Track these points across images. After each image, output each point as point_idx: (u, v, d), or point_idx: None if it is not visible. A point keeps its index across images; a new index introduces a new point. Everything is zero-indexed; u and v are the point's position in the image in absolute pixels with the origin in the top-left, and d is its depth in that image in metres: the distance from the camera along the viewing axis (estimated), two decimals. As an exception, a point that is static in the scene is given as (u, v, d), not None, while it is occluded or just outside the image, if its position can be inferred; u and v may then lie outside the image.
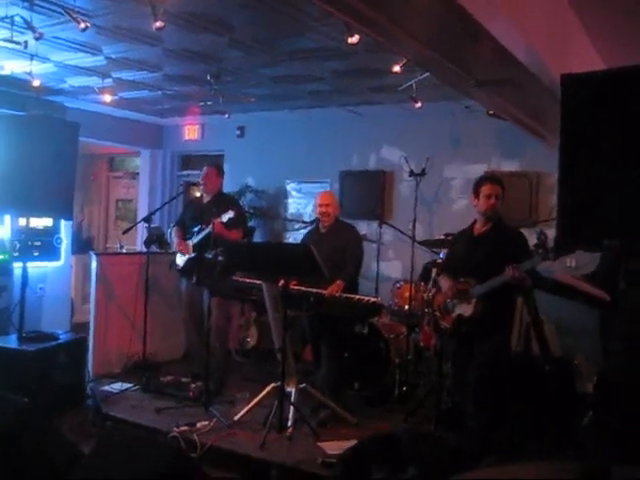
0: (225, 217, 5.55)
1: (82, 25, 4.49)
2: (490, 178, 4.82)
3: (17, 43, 5.29)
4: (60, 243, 6.77)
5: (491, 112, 6.46)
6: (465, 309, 4.52)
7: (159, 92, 8.09)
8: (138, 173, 11.47)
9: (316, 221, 5.67)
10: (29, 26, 4.79)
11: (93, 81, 7.39)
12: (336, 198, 5.82)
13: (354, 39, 4.21)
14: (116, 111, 9.43)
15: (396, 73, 5.40)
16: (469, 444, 4.36)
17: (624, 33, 4.85)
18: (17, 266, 6.14)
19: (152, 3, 4.33)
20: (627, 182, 2.65)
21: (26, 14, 4.80)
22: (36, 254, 6.35)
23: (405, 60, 5.04)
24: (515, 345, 5.31)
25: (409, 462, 1.55)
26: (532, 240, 4.64)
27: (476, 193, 4.60)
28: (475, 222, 4.73)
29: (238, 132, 10.06)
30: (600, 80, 2.93)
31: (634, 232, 2.61)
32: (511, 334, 4.80)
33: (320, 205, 5.58)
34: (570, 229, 2.87)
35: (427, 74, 5.51)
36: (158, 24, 4.32)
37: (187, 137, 10.83)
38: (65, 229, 6.90)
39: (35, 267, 6.45)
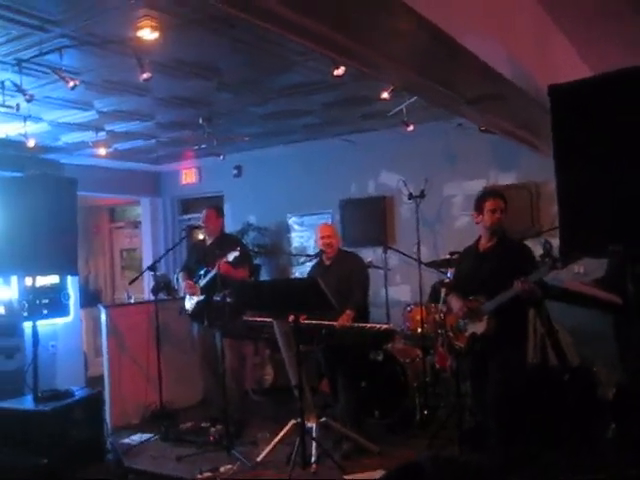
0: (231, 257, 5.55)
1: (71, 84, 4.56)
2: (492, 193, 4.82)
3: (9, 107, 5.37)
4: (68, 299, 6.77)
5: (483, 128, 6.49)
6: (478, 327, 4.49)
7: (153, 140, 8.17)
8: (140, 222, 11.52)
9: (320, 253, 5.67)
10: (19, 89, 4.86)
11: (87, 136, 7.47)
12: (336, 229, 5.81)
13: (340, 71, 4.25)
14: (112, 162, 9.51)
15: (385, 99, 5.45)
16: (493, 463, 4.30)
17: (605, 39, 4.89)
18: (27, 326, 6.13)
19: (137, 55, 4.38)
20: (623, 186, 2.65)
21: (16, 77, 4.88)
22: (45, 312, 6.35)
23: (393, 87, 5.08)
24: (532, 357, 5.26)
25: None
26: (537, 250, 4.62)
27: (479, 209, 4.59)
28: (480, 238, 4.71)
29: (235, 172, 10.11)
30: (586, 87, 2.95)
31: (635, 236, 2.60)
32: (526, 347, 4.76)
33: (322, 237, 5.59)
34: (573, 237, 2.87)
35: (415, 97, 5.55)
36: (145, 76, 4.38)
37: (185, 182, 10.90)
38: (72, 284, 6.92)
39: (45, 325, 6.45)
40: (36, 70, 4.93)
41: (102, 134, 7.43)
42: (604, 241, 2.77)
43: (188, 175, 10.83)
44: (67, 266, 5.87)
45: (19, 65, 4.72)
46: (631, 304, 2.88)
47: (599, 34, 4.87)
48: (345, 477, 4.70)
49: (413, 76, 3.63)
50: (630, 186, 2.67)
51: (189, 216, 10.98)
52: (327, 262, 5.59)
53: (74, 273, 6.34)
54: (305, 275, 6.32)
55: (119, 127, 7.24)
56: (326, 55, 3.54)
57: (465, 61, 3.49)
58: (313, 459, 4.87)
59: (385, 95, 5.26)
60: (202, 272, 6.05)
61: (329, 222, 8.34)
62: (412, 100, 5.98)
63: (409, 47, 3.36)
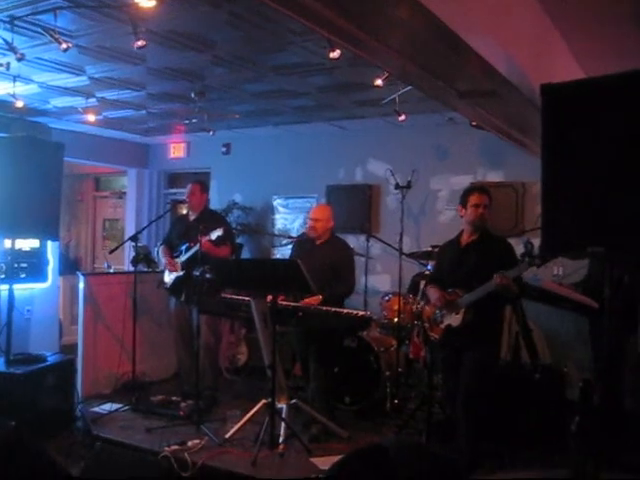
0: (214, 235, 5.52)
1: (64, 45, 4.50)
2: (478, 188, 4.83)
3: (-1, 65, 5.30)
4: (47, 264, 6.72)
5: (474, 123, 6.50)
6: (454, 319, 4.52)
7: (143, 111, 8.10)
8: (125, 192, 11.46)
9: (303, 234, 5.63)
10: (10, 47, 4.79)
11: (77, 101, 7.40)
12: (329, 214, 5.60)
13: (335, 54, 4.22)
14: (101, 131, 9.44)
15: (378, 87, 5.43)
16: (460, 455, 4.35)
17: (602, 42, 4.91)
18: (3, 288, 6.08)
19: (133, 22, 4.34)
20: (606, 189, 2.67)
21: (7, 35, 4.80)
22: (23, 276, 6.30)
23: (387, 74, 5.07)
24: (504, 354, 5.31)
25: (398, 475, 1.54)
26: (519, 249, 4.66)
27: (464, 203, 4.62)
28: (462, 232, 4.74)
29: (224, 149, 10.07)
30: (579, 89, 2.96)
31: (616, 239, 2.63)
32: (500, 343, 4.80)
33: (309, 219, 5.56)
34: (554, 236, 2.89)
35: (409, 87, 5.54)
36: (140, 43, 4.33)
37: (173, 155, 10.84)
38: (52, 250, 6.86)
39: (22, 289, 6.40)
40: (29, 29, 4.86)
41: (92, 100, 7.35)
42: (585, 243, 2.80)
43: (176, 149, 10.77)
44: (48, 230, 5.83)
45: (12, 23, 4.65)
46: (606, 309, 2.91)
47: (596, 39, 4.89)
48: (311, 459, 4.73)
49: (409, 65, 3.63)
50: (613, 190, 2.69)
51: (175, 190, 10.93)
52: (317, 242, 5.53)
53: (55, 238, 6.29)
54: (288, 255, 6.28)
55: (110, 94, 7.16)
56: (324, 36, 3.51)
57: (462, 54, 3.49)
58: (281, 439, 4.89)
59: (379, 82, 5.24)
60: (183, 248, 6.02)
61: (325, 204, 8.11)
62: (406, 90, 5.97)
63: (408, 35, 3.36)
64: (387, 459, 1.63)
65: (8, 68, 5.26)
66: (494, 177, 7.99)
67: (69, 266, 10.53)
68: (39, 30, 4.79)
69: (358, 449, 1.66)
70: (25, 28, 4.85)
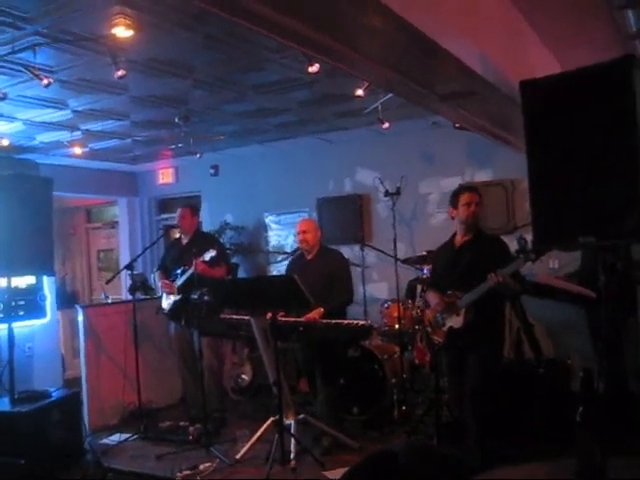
0: (207, 256, 5.54)
1: (45, 81, 4.53)
2: (467, 187, 4.88)
3: (-18, 105, 5.32)
4: (44, 300, 6.71)
5: (457, 125, 6.54)
6: (455, 321, 4.53)
7: (129, 139, 8.13)
8: (117, 222, 11.45)
9: (298, 251, 5.67)
10: (-8, 87, 4.82)
11: (62, 135, 7.43)
12: (315, 224, 5.69)
13: (314, 68, 4.27)
14: (88, 163, 9.46)
15: (360, 97, 5.47)
16: (470, 456, 4.34)
17: (574, 32, 4.96)
18: (2, 327, 6.07)
19: (112, 53, 4.37)
20: (592, 179, 2.71)
21: (-12, 76, 4.84)
22: (21, 313, 6.28)
23: (367, 83, 5.11)
24: (507, 351, 5.32)
25: (409, 477, 1.55)
26: (513, 246, 4.68)
27: (454, 204, 4.64)
28: (455, 234, 4.76)
29: (212, 171, 10.07)
30: (557, 83, 3.00)
31: (604, 227, 2.66)
32: (504, 341, 4.82)
33: (298, 233, 5.59)
34: (545, 229, 2.92)
35: (391, 95, 5.58)
36: (120, 73, 4.37)
37: (162, 181, 10.86)
38: (49, 285, 6.85)
39: (21, 326, 6.37)
40: (9, 68, 4.89)
41: (77, 133, 7.38)
42: (575, 233, 2.83)
43: (165, 175, 10.79)
44: (43, 266, 5.83)
45: (-9, 63, 4.68)
46: (602, 294, 2.93)
47: (568, 29, 4.93)
48: (324, 472, 4.72)
49: (388, 72, 3.65)
50: (599, 179, 2.72)
51: (167, 216, 10.94)
52: (308, 257, 5.58)
53: (50, 273, 6.28)
54: (284, 271, 6.30)
55: (94, 126, 7.20)
56: (300, 51, 3.55)
57: (439, 58, 3.52)
58: (292, 455, 4.87)
59: (360, 92, 5.28)
60: (179, 271, 6.03)
61: (309, 217, 8.23)
62: (387, 97, 6.01)
63: (384, 44, 3.39)
64: (397, 464, 1.64)
65: (-9, 107, 5.29)
66: (483, 177, 8.04)
67: (67, 300, 10.51)
68: (19, 68, 4.81)
69: (367, 456, 1.67)
70: (5, 67, 4.87)
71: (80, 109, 6.40)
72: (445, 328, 4.61)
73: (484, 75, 3.96)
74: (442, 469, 1.75)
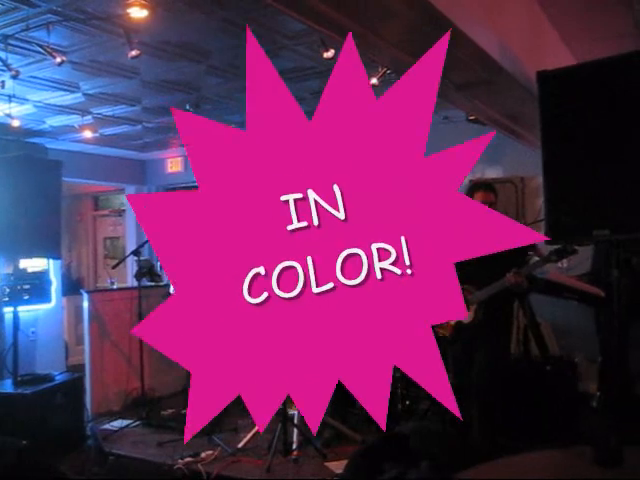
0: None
1: (58, 59, 4.50)
2: (482, 186, 4.60)
3: (-6, 84, 5.29)
4: (50, 285, 6.69)
5: (471, 117, 6.48)
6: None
7: (139, 126, 8.09)
8: (124, 210, 11.44)
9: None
10: (5, 64, 4.79)
11: (73, 119, 7.40)
12: None
13: (329, 54, 4.22)
14: (98, 149, 9.43)
15: (375, 86, 5.42)
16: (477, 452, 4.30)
17: (590, 26, 4.92)
18: (8, 311, 6.05)
19: (126, 32, 4.33)
20: (608, 172, 2.68)
21: (1, 54, 4.80)
22: (26, 297, 6.26)
23: (382, 71, 5.06)
24: (514, 349, 5.27)
25: (419, 458, 1.51)
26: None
27: (468, 200, 4.56)
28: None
29: (221, 161, 10.02)
30: (574, 74, 2.98)
31: (619, 220, 2.62)
32: (511, 338, 4.76)
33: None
34: (558, 223, 2.88)
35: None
36: (134, 53, 4.33)
37: (170, 170, 10.82)
38: (54, 270, 6.83)
39: (26, 311, 6.36)
40: (23, 47, 4.86)
41: (88, 118, 7.35)
42: (589, 227, 2.79)
43: (174, 164, 10.75)
44: (50, 249, 5.82)
45: (4, 41, 4.65)
46: (614, 290, 2.89)
47: (584, 23, 4.90)
48: (326, 464, 4.69)
49: (405, 57, 3.60)
50: (615, 172, 2.69)
51: (174, 205, 10.90)
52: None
53: (57, 257, 6.27)
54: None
55: (105, 110, 7.16)
56: (319, 31, 3.47)
57: (458, 44, 3.46)
58: (294, 446, 4.86)
59: (374, 81, 5.22)
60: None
61: None
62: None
63: (403, 26, 3.35)
64: (407, 444, 1.61)
65: (3, 86, 5.24)
66: (493, 173, 7.97)
67: (72, 287, 10.48)
68: (32, 47, 4.79)
69: (380, 436, 1.64)
70: (18, 46, 4.85)
71: (91, 92, 6.37)
72: (453, 322, 4.56)
73: (502, 63, 3.91)
74: (451, 449, 1.73)
